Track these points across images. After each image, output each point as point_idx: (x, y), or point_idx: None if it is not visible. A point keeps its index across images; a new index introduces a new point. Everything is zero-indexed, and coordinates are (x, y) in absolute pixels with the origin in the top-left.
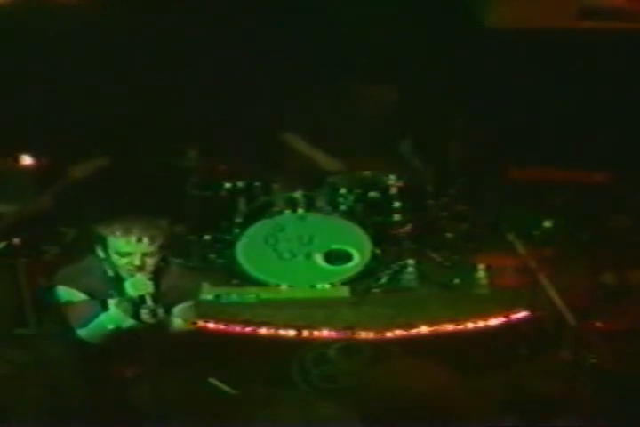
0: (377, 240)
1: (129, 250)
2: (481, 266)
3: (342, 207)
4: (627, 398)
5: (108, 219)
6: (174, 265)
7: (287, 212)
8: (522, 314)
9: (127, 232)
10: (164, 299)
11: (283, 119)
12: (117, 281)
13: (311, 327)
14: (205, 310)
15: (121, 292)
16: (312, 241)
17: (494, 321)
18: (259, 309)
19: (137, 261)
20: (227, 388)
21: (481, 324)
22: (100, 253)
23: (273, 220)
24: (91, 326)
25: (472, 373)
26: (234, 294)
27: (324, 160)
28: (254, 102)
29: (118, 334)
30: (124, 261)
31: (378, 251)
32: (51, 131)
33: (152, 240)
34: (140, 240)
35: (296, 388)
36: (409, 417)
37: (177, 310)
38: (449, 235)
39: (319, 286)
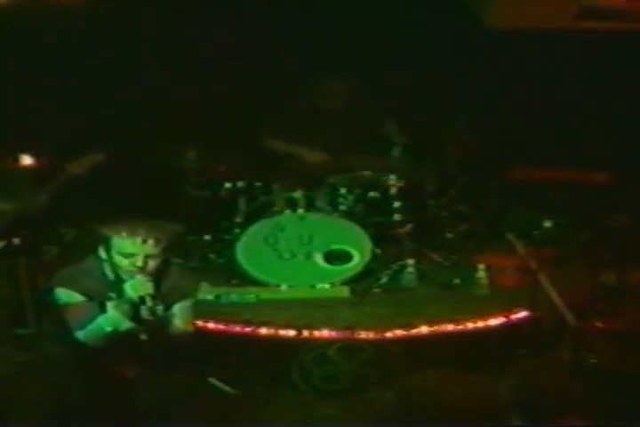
0: (377, 240)
1: (133, 251)
2: (481, 266)
3: (342, 207)
4: (627, 398)
5: (109, 219)
6: (174, 266)
7: (287, 212)
8: (522, 314)
9: (133, 233)
10: (165, 300)
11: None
12: (117, 283)
13: (311, 327)
14: (205, 310)
15: (120, 294)
16: (312, 241)
17: (494, 321)
18: (259, 309)
19: (139, 263)
20: (227, 388)
21: (481, 324)
22: (102, 254)
23: (273, 220)
24: (89, 327)
25: (472, 373)
26: (234, 294)
27: (306, 154)
28: (254, 102)
29: (118, 335)
30: (126, 262)
31: (378, 251)
32: (51, 131)
33: (157, 242)
34: (145, 242)
35: (296, 388)
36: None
37: (176, 308)
38: (449, 235)
39: (319, 286)
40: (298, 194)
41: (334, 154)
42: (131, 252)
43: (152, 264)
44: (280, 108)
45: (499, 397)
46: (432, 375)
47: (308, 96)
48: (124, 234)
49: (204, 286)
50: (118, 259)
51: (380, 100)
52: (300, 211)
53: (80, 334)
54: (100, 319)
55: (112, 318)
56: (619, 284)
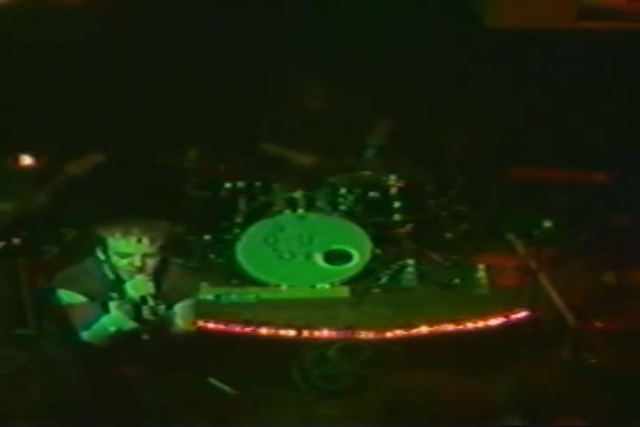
0: (377, 240)
1: (129, 251)
2: (481, 266)
3: (342, 207)
4: (627, 398)
5: (107, 220)
6: (174, 265)
7: (287, 212)
8: (522, 314)
9: (127, 233)
10: (166, 299)
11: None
12: (118, 283)
13: (311, 327)
14: (205, 310)
15: (121, 294)
16: (312, 241)
17: (494, 321)
18: (259, 309)
19: (137, 262)
20: (227, 388)
21: (481, 324)
22: (101, 255)
23: (273, 220)
24: (93, 328)
25: (472, 373)
26: (234, 294)
27: (297, 157)
28: (255, 102)
29: (121, 335)
30: (124, 262)
31: (378, 251)
32: (51, 131)
33: (152, 241)
34: (139, 241)
35: (296, 388)
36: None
37: (177, 308)
38: (449, 235)
39: (319, 286)
40: (298, 194)
41: (327, 155)
42: (127, 252)
43: (150, 263)
44: (272, 110)
45: (488, 397)
46: (417, 376)
47: (295, 97)
48: (117, 234)
49: (204, 286)
50: (116, 259)
51: (367, 101)
52: (300, 211)
53: (85, 335)
54: (104, 319)
55: (115, 318)
56: (619, 284)
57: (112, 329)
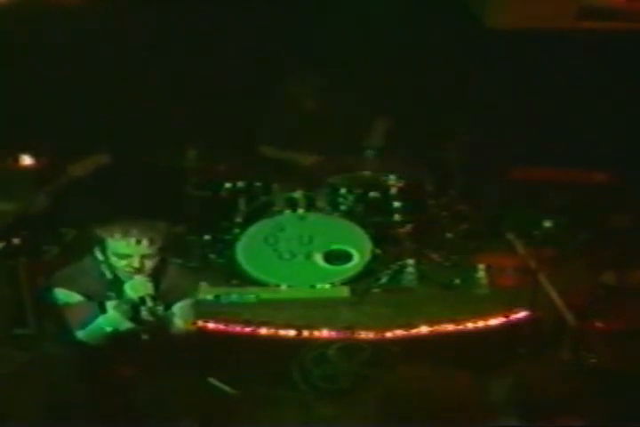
0: (377, 240)
1: (128, 252)
2: (481, 266)
3: (342, 207)
4: (627, 398)
5: (107, 220)
6: (173, 265)
7: (287, 212)
8: (522, 314)
9: (126, 234)
10: (164, 299)
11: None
12: (116, 283)
13: (311, 327)
14: (205, 310)
15: (119, 294)
16: (312, 241)
17: (494, 321)
18: (259, 309)
19: (136, 264)
20: (227, 388)
21: (481, 324)
22: (99, 255)
23: (273, 220)
24: (89, 327)
25: (472, 373)
26: (234, 294)
27: (299, 158)
28: (255, 102)
29: (118, 335)
30: (122, 263)
31: (378, 251)
32: (51, 131)
33: (151, 242)
34: (139, 242)
35: (296, 388)
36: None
37: (176, 308)
38: (449, 235)
39: (319, 286)
40: (298, 194)
41: (327, 155)
42: (126, 253)
43: (149, 264)
44: (272, 110)
45: (487, 396)
46: (414, 374)
47: (296, 97)
48: (117, 235)
49: (204, 286)
50: (114, 260)
51: (367, 101)
52: (300, 211)
53: (80, 334)
54: (100, 319)
55: (112, 318)
56: (619, 284)
57: (108, 329)
